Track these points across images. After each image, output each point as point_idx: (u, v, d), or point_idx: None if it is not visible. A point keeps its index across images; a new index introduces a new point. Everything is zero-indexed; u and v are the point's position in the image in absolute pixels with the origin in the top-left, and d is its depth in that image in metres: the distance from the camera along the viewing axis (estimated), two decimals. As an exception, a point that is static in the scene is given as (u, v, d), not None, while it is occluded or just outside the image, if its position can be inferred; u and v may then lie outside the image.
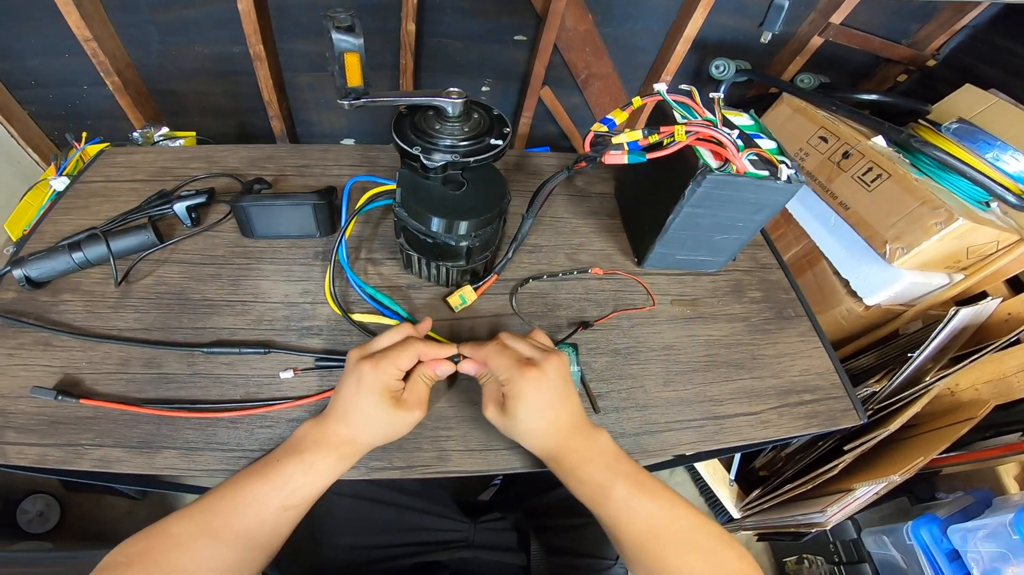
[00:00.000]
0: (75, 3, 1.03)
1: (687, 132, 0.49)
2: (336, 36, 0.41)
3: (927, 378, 0.92)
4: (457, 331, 0.53)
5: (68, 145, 1.01)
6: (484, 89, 1.41)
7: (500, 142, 0.48)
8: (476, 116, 0.50)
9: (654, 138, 0.50)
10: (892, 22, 1.28)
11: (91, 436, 0.43)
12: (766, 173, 0.49)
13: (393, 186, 0.47)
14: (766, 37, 0.91)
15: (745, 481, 1.21)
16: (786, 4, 0.85)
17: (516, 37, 1.30)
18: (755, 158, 0.51)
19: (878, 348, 1.07)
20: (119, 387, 0.46)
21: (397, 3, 1.17)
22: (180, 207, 0.57)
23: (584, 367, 0.53)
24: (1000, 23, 1.20)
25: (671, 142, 0.49)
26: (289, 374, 0.48)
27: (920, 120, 1.05)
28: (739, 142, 0.52)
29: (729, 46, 1.30)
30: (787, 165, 0.50)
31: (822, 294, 1.07)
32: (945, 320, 0.89)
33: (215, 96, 1.34)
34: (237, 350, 0.49)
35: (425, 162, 0.46)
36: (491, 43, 1.30)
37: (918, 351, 0.91)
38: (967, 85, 1.10)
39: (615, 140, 0.51)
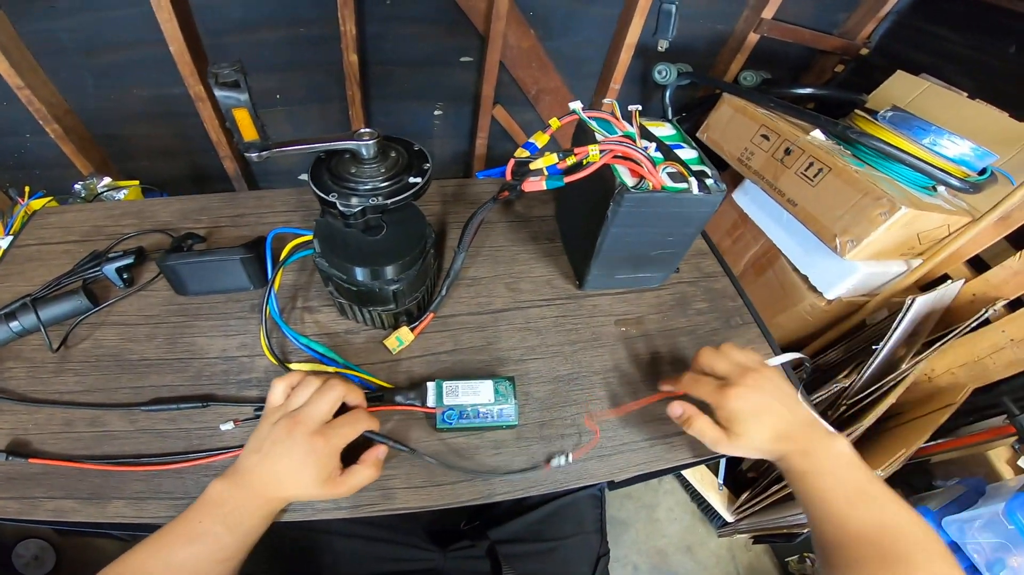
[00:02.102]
0: (2, 52, 1.01)
1: (601, 151, 0.49)
2: (220, 94, 0.40)
3: (902, 365, 0.93)
4: (395, 373, 0.53)
5: (13, 201, 0.99)
6: (436, 113, 1.42)
7: (419, 179, 0.48)
8: (394, 154, 0.50)
9: (571, 160, 0.50)
10: (820, 13, 1.31)
11: (43, 490, 0.45)
12: (685, 186, 0.50)
13: (311, 236, 0.47)
14: (663, 45, 0.92)
15: (735, 484, 1.22)
16: (673, 9, 0.86)
17: (462, 59, 1.30)
18: (673, 171, 0.51)
19: (846, 341, 1.08)
20: (65, 445, 0.47)
21: (336, 35, 1.17)
22: (110, 269, 0.57)
23: (525, 397, 0.52)
24: (921, 7, 1.24)
25: (588, 163, 0.49)
26: (230, 425, 0.48)
27: (857, 110, 1.07)
28: (657, 155, 0.53)
29: (671, 50, 1.32)
30: (708, 175, 0.51)
31: (784, 291, 1.09)
32: (903, 310, 0.90)
33: (162, 138, 1.33)
34: (176, 406, 0.49)
35: (342, 209, 0.46)
36: (438, 66, 1.31)
37: (882, 343, 0.92)
38: (899, 72, 1.13)
39: (533, 166, 0.51)
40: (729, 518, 1.18)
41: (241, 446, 0.46)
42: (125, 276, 0.58)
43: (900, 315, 0.91)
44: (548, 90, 1.37)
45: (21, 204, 0.95)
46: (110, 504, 0.44)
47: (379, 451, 0.45)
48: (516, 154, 0.53)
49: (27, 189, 0.99)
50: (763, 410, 0.42)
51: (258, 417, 0.48)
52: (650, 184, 0.48)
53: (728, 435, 0.43)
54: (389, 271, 0.46)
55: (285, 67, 1.24)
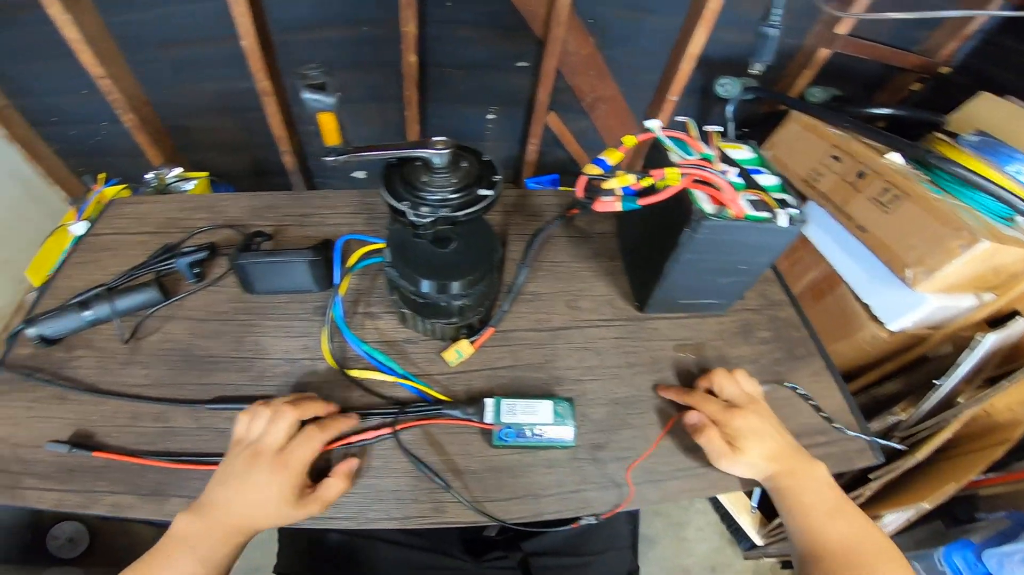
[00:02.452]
0: (88, 41, 1.06)
1: (681, 175, 0.48)
2: (307, 96, 0.40)
3: (960, 399, 0.88)
4: (453, 386, 0.53)
5: (88, 187, 1.04)
6: (490, 117, 1.42)
7: (490, 192, 0.48)
8: (465, 165, 0.49)
9: (647, 182, 0.49)
10: (901, 29, 1.25)
11: (105, 484, 0.45)
12: (767, 215, 0.47)
13: (383, 244, 0.47)
14: (758, 69, 0.88)
15: (768, 507, 1.18)
16: (774, 33, 0.82)
17: (518, 64, 1.30)
18: (754, 199, 0.49)
19: (905, 374, 1.02)
20: (130, 439, 0.48)
21: (397, 36, 1.19)
22: (183, 263, 0.58)
23: (581, 418, 0.51)
24: (1012, 26, 1.16)
25: (664, 186, 0.48)
26: (288, 430, 0.48)
27: (937, 132, 1.01)
28: (738, 180, 0.50)
29: (735, 62, 1.28)
30: (789, 204, 0.49)
31: (843, 320, 1.03)
32: (971, 348, 0.85)
33: (228, 132, 1.38)
34: (239, 406, 0.49)
35: (413, 219, 0.46)
36: (494, 70, 1.31)
37: (944, 378, 0.87)
38: (983, 93, 1.06)
39: (606, 185, 0.49)
40: (759, 541, 1.15)
41: None
42: (196, 271, 0.59)
43: (968, 353, 0.86)
44: (604, 98, 1.35)
45: (95, 191, 0.99)
46: (168, 502, 0.45)
47: (351, 464, 0.46)
48: (586, 170, 0.51)
49: (102, 176, 1.04)
50: (762, 433, 0.47)
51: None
52: (730, 212, 0.46)
53: (732, 450, 0.46)
54: (458, 286, 0.46)
55: (346, 66, 1.27)
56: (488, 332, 0.53)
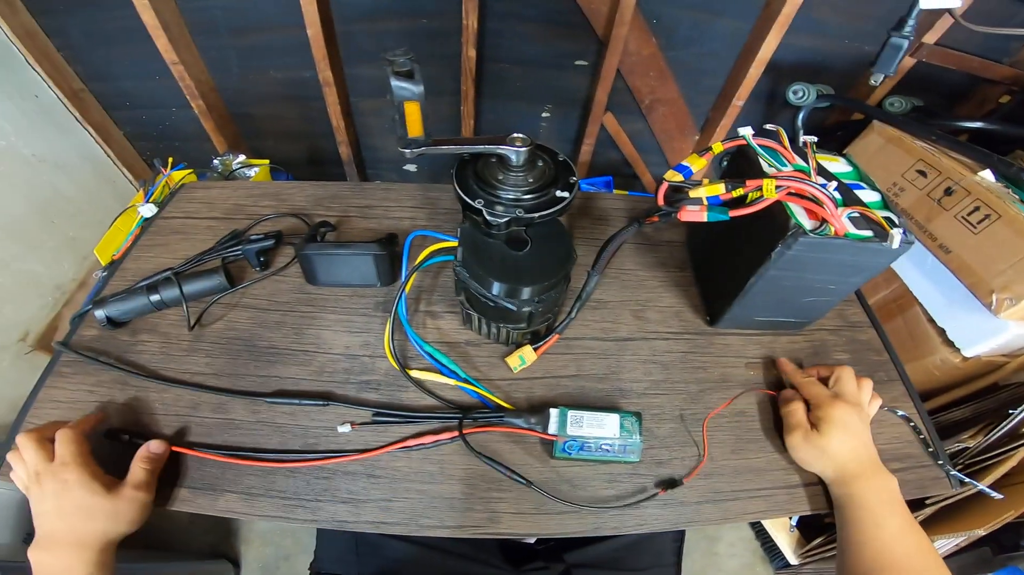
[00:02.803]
0: (163, 27, 1.10)
1: (777, 187, 0.44)
2: (395, 83, 0.39)
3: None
4: (515, 392, 0.51)
5: (156, 170, 1.08)
6: (544, 115, 1.39)
7: (567, 194, 0.46)
8: (541, 164, 0.47)
9: (738, 192, 0.46)
10: (991, 40, 1.15)
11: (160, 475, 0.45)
12: (869, 234, 0.44)
13: (454, 243, 0.45)
14: (877, 79, 0.83)
15: (807, 527, 1.14)
16: (905, 44, 0.77)
17: (577, 62, 1.27)
18: (856, 216, 0.45)
19: (975, 401, 0.96)
20: (188, 430, 0.48)
21: (457, 29, 1.18)
22: (250, 251, 0.58)
23: (647, 434, 0.49)
24: None
25: (758, 198, 0.45)
26: (347, 428, 0.48)
27: (1028, 150, 0.93)
28: (837, 195, 0.47)
29: (806, 68, 1.22)
30: (894, 223, 0.45)
31: (913, 342, 0.97)
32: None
33: (288, 120, 1.40)
34: (298, 402, 0.49)
35: (488, 217, 0.44)
36: (551, 69, 1.28)
37: (1020, 409, 0.81)
38: (1084, 109, 0.97)
39: (693, 194, 0.46)
40: (793, 560, 1.13)
41: (355, 451, 0.47)
42: (262, 259, 0.59)
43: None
44: (663, 101, 1.30)
45: (164, 174, 1.02)
46: (222, 497, 0.45)
47: (148, 447, 0.45)
48: (667, 177, 0.49)
49: (171, 160, 1.08)
50: (853, 433, 0.46)
51: (376, 421, 0.48)
52: (832, 229, 0.42)
53: (815, 432, 0.46)
54: (530, 291, 0.44)
55: (405, 59, 1.27)
56: (553, 339, 0.51)
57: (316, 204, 0.68)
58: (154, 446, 0.45)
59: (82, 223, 1.38)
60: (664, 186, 0.48)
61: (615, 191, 1.44)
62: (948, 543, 0.85)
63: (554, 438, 0.45)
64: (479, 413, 0.48)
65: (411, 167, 1.55)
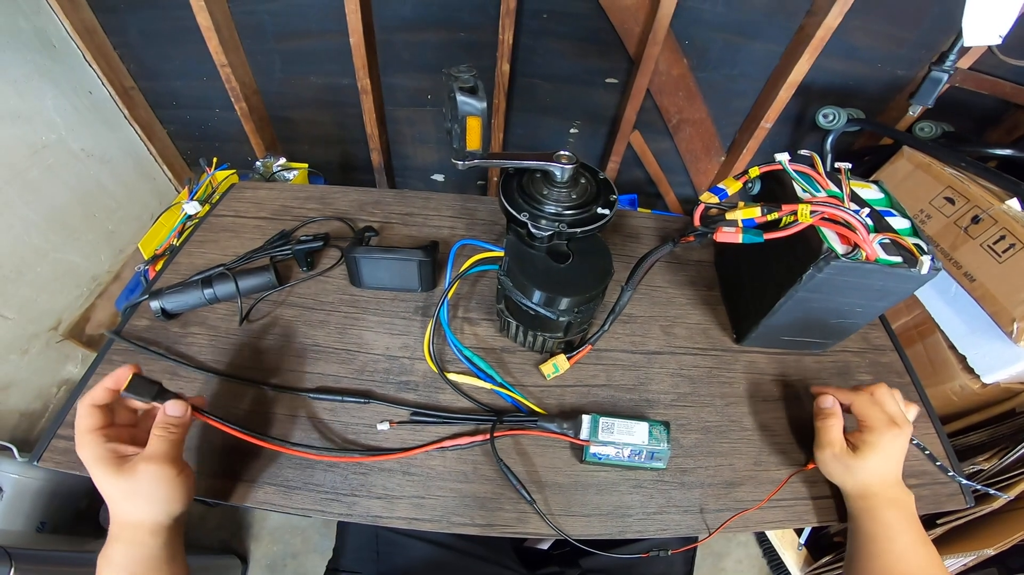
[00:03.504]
0: (215, 29, 1.14)
1: (812, 212, 0.46)
2: (461, 99, 0.41)
3: None
4: (547, 399, 0.53)
5: (201, 169, 1.12)
6: (572, 131, 1.42)
7: (607, 211, 0.48)
8: (583, 181, 0.50)
9: (773, 216, 0.47)
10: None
11: (202, 466, 0.47)
12: (899, 259, 0.45)
13: (498, 252, 0.48)
14: (915, 110, 0.84)
15: (816, 545, 1.14)
16: (945, 78, 0.78)
17: (607, 80, 1.30)
18: (887, 242, 0.47)
19: (992, 426, 0.96)
20: (231, 420, 0.49)
21: (493, 43, 1.21)
22: (299, 251, 0.61)
23: (672, 443, 0.50)
24: None
25: (792, 222, 0.46)
26: (386, 426, 0.50)
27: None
28: (869, 221, 0.48)
29: (837, 91, 1.23)
30: (923, 250, 0.46)
31: (933, 368, 0.97)
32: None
33: (324, 125, 1.45)
34: (340, 398, 0.51)
35: (533, 230, 0.46)
36: (582, 85, 1.31)
37: None
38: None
39: (729, 216, 0.48)
40: None
41: (395, 449, 0.48)
42: (309, 259, 0.62)
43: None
44: (691, 121, 1.32)
45: (208, 173, 1.07)
46: (261, 489, 0.45)
47: (161, 411, 0.40)
48: (703, 198, 0.51)
49: (215, 160, 1.12)
50: (892, 457, 0.46)
51: (413, 421, 0.50)
52: (863, 254, 0.44)
53: (849, 453, 0.47)
54: (569, 302, 0.46)
55: (440, 69, 1.30)
56: (586, 349, 0.53)
57: (359, 209, 0.71)
58: (170, 408, 0.40)
59: (121, 217, 1.43)
60: (701, 207, 0.50)
61: (639, 209, 1.46)
62: (957, 562, 0.86)
63: (586, 443, 0.47)
64: (513, 417, 0.50)
65: (438, 177, 1.59)
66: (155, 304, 0.56)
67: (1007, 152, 1.03)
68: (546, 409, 0.52)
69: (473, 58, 1.27)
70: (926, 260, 0.43)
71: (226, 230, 0.69)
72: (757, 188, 0.61)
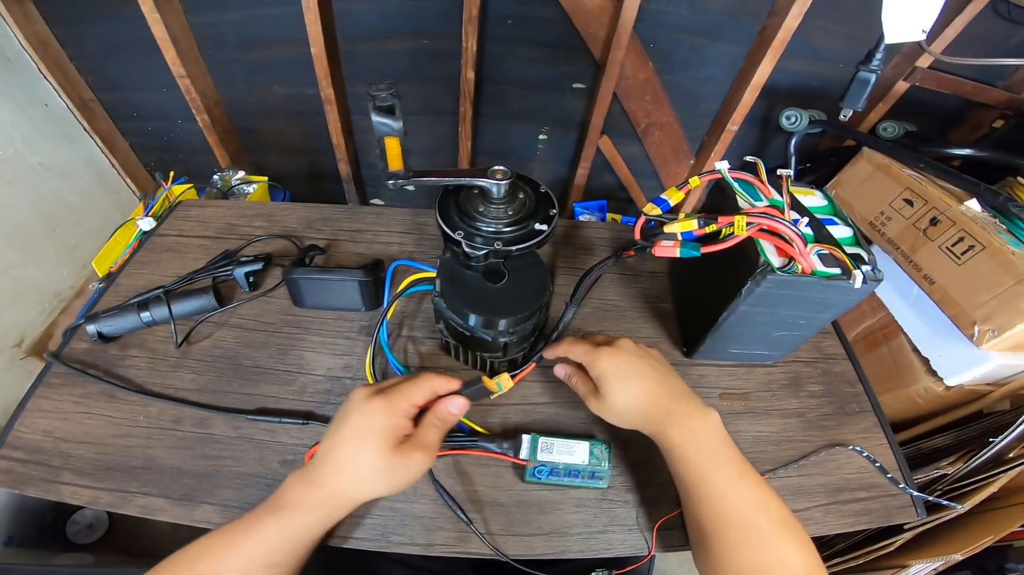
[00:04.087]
0: (172, 40, 1.12)
1: (748, 224, 0.45)
2: (376, 119, 0.40)
3: (1010, 454, 0.82)
4: (490, 418, 0.52)
5: (157, 184, 1.10)
6: (542, 137, 1.42)
7: (545, 227, 0.47)
8: (521, 196, 0.49)
9: (711, 228, 0.47)
10: (985, 64, 1.17)
11: (139, 485, 0.46)
12: (837, 271, 0.45)
13: (433, 273, 0.47)
14: (846, 115, 0.84)
15: None
16: (873, 78, 0.78)
17: (575, 85, 1.29)
18: (824, 253, 0.46)
19: (957, 429, 0.96)
20: (170, 442, 0.49)
21: (458, 50, 1.20)
22: (240, 272, 0.60)
23: (617, 460, 0.50)
24: None
25: (729, 234, 0.46)
26: (321, 448, 0.49)
27: (1019, 177, 0.94)
28: (808, 231, 0.48)
29: (801, 93, 1.24)
30: (863, 260, 0.46)
31: (897, 370, 0.98)
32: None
33: (290, 136, 1.43)
34: (279, 419, 0.50)
35: (467, 250, 0.45)
36: (549, 91, 1.31)
37: (1000, 438, 0.82)
38: (1073, 134, 0.98)
39: (667, 229, 0.48)
40: None
41: None
42: (251, 280, 0.61)
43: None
44: (659, 125, 1.32)
45: (164, 188, 1.04)
46: (199, 508, 0.45)
47: (445, 404, 0.41)
48: (646, 210, 0.50)
49: (172, 174, 1.10)
50: (636, 376, 0.43)
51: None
52: (799, 267, 0.43)
53: (596, 393, 0.44)
54: (506, 323, 0.45)
55: (405, 78, 1.30)
56: (530, 367, 0.52)
57: (307, 226, 0.69)
58: (454, 406, 0.42)
59: (83, 232, 1.40)
60: (641, 219, 0.49)
61: (609, 215, 1.45)
62: (925, 568, 0.85)
63: (525, 463, 0.47)
64: (453, 437, 0.49)
65: (410, 186, 1.57)
66: (91, 328, 0.55)
67: (967, 152, 1.04)
68: (489, 428, 0.51)
69: (440, 65, 1.26)
70: (858, 274, 0.42)
71: (169, 250, 0.67)
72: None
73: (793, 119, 1.11)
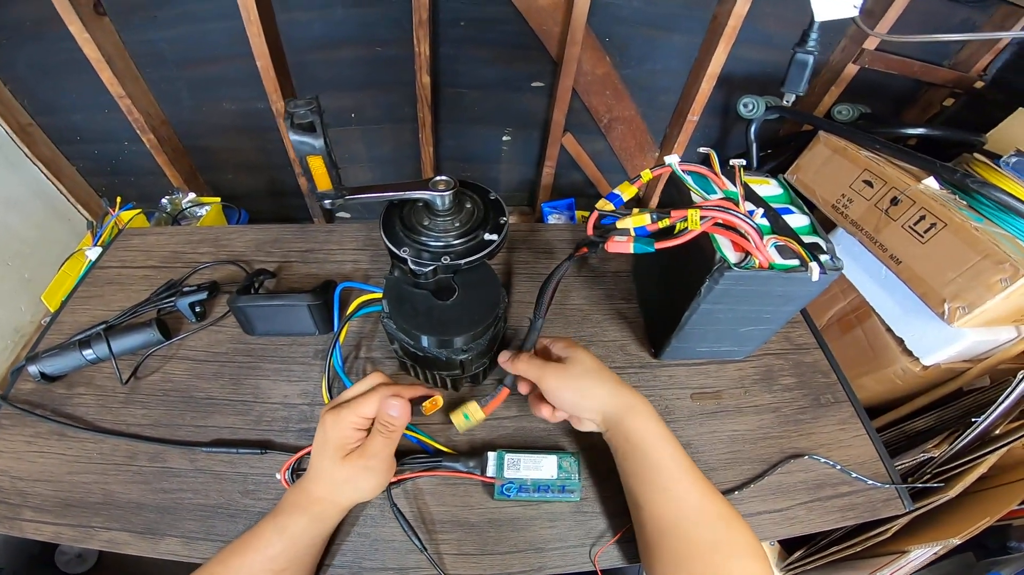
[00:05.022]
0: (107, 60, 1.08)
1: (702, 218, 0.44)
2: (294, 138, 0.38)
3: (997, 431, 0.82)
4: (456, 436, 0.50)
5: (104, 211, 1.05)
6: (505, 138, 1.40)
7: (495, 236, 0.45)
8: (469, 206, 0.47)
9: (664, 223, 0.45)
10: (931, 44, 1.19)
11: (101, 520, 0.45)
12: (796, 262, 0.44)
13: (379, 294, 0.45)
14: (789, 99, 0.83)
15: (788, 539, 1.12)
16: (810, 60, 0.77)
17: (534, 84, 1.28)
18: (781, 244, 0.46)
19: (939, 409, 0.96)
20: (126, 478, 0.47)
21: (411, 56, 1.18)
22: (183, 304, 0.57)
23: (589, 471, 0.49)
24: None
25: (683, 229, 0.44)
26: (279, 476, 0.47)
27: (976, 154, 0.95)
28: (764, 222, 0.47)
29: (757, 80, 1.25)
30: (821, 249, 0.45)
31: (873, 352, 0.98)
32: (1013, 385, 0.79)
33: (245, 152, 1.39)
34: (235, 450, 0.49)
35: (413, 267, 0.43)
36: (508, 91, 1.29)
37: (982, 417, 0.81)
38: (1021, 109, 1.00)
39: (620, 224, 0.46)
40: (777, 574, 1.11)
41: None
42: (198, 310, 0.58)
43: (1008, 391, 0.80)
44: (621, 119, 1.32)
45: (112, 215, 1.00)
46: (163, 541, 0.44)
47: (382, 409, 0.40)
48: (598, 206, 0.48)
49: (119, 199, 1.05)
50: (575, 384, 0.44)
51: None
52: (756, 261, 0.42)
53: (555, 413, 0.45)
54: (459, 341, 0.43)
55: (361, 86, 1.27)
56: (502, 394, 0.49)
57: (257, 249, 0.67)
58: (392, 408, 0.41)
59: (37, 263, 1.34)
60: (594, 215, 0.48)
61: (578, 213, 1.44)
62: (924, 553, 0.84)
63: (492, 481, 0.45)
64: (417, 458, 0.47)
65: (345, 213, 1.54)
66: (33, 369, 0.53)
67: (919, 131, 1.05)
68: (456, 446, 0.49)
69: (396, 72, 1.24)
70: (814, 266, 0.41)
71: (112, 283, 0.64)
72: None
73: (751, 106, 1.11)
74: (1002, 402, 0.80)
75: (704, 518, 0.39)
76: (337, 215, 1.57)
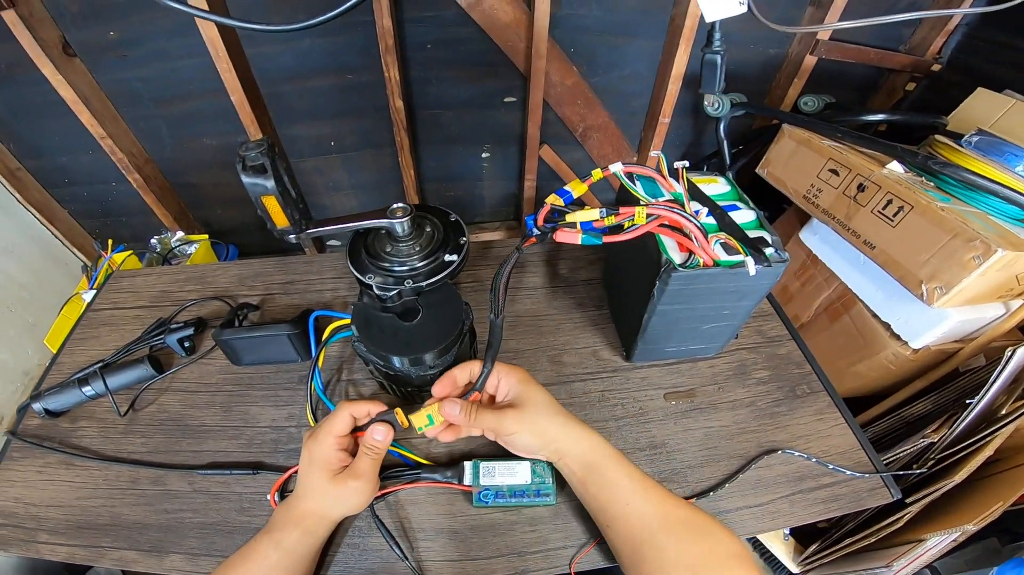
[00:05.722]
0: (83, 102, 1.10)
1: (648, 216, 0.46)
2: (247, 180, 0.40)
3: (1001, 411, 0.82)
4: (435, 448, 0.53)
5: (97, 254, 1.08)
6: (484, 155, 1.43)
7: (455, 257, 0.48)
8: (429, 229, 0.49)
9: (610, 220, 0.47)
10: (883, 29, 1.22)
11: (110, 540, 0.48)
12: (740, 258, 0.46)
13: (347, 320, 0.47)
14: (710, 101, 0.85)
15: (802, 533, 1.13)
16: (718, 59, 0.79)
17: (506, 99, 1.31)
18: (725, 242, 0.48)
19: (936, 391, 0.96)
20: (130, 500, 0.51)
21: (383, 81, 1.21)
22: (172, 340, 0.60)
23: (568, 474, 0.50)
24: (993, 18, 1.12)
25: (632, 226, 0.46)
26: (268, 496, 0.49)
27: (938, 136, 0.98)
28: (709, 221, 0.49)
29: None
30: (767, 242, 0.47)
31: (863, 339, 0.99)
32: (1003, 362, 0.80)
33: (232, 187, 1.41)
34: (230, 472, 0.52)
35: (379, 293, 0.46)
36: (482, 108, 1.32)
37: (977, 397, 0.82)
38: (980, 89, 1.02)
39: (568, 218, 0.48)
40: (794, 569, 1.11)
41: None
42: (187, 345, 0.61)
43: (999, 369, 0.81)
44: (595, 127, 1.35)
45: (105, 257, 1.03)
46: (168, 557, 0.47)
47: (368, 434, 0.45)
48: (549, 200, 0.51)
49: (111, 242, 1.08)
50: (531, 428, 0.45)
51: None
52: (700, 260, 0.45)
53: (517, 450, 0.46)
54: (427, 358, 0.45)
55: (337, 114, 1.30)
56: (473, 397, 0.51)
57: (240, 284, 0.69)
58: (377, 433, 0.45)
59: (39, 308, 1.37)
60: (546, 208, 0.50)
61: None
62: (941, 540, 0.83)
63: (470, 489, 0.47)
64: (398, 471, 0.50)
65: (305, 245, 1.56)
66: (37, 406, 0.57)
67: (880, 117, 1.07)
68: (435, 458, 0.52)
69: (369, 98, 1.27)
70: (750, 260, 0.43)
71: (105, 324, 0.67)
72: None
73: (716, 105, 1.14)
74: (995, 380, 0.81)
75: (674, 526, 0.41)
76: (327, 243, 1.60)
